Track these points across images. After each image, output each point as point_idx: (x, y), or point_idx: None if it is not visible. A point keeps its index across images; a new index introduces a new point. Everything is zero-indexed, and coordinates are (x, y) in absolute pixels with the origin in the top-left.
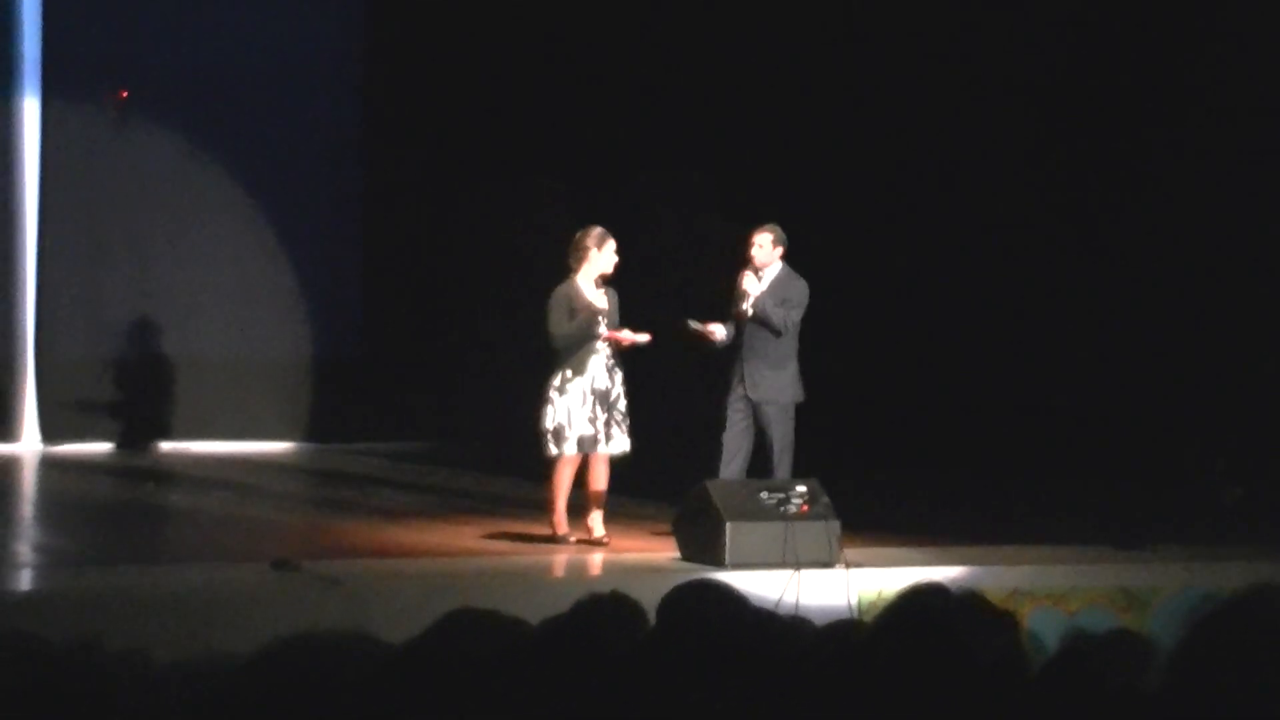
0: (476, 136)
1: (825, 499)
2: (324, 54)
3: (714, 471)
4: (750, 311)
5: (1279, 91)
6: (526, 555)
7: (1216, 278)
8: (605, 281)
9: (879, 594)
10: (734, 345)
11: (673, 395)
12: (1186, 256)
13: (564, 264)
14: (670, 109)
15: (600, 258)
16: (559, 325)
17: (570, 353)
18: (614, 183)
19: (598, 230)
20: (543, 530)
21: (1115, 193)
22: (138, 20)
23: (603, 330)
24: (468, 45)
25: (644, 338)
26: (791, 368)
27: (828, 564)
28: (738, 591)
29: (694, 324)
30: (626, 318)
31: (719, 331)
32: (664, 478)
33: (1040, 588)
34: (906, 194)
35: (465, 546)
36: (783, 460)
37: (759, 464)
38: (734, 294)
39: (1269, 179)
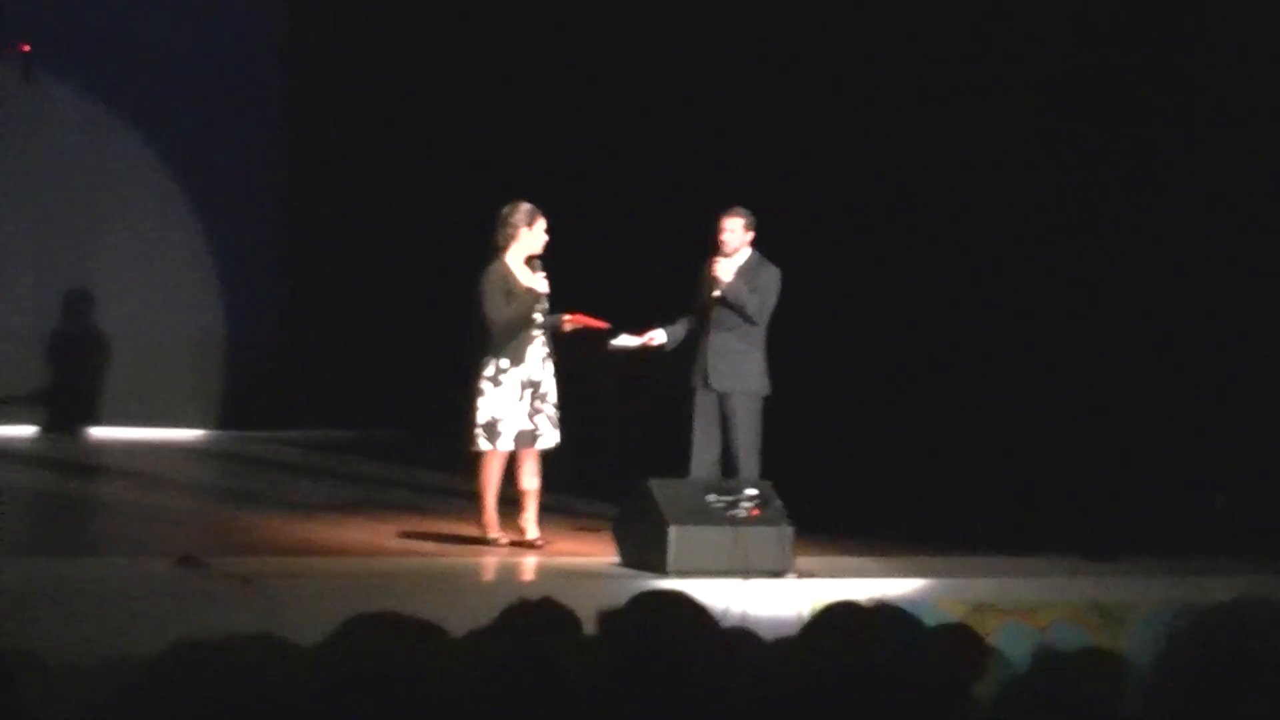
0: (404, 111)
1: (778, 503)
2: (246, 19)
3: (663, 468)
4: (719, 294)
5: None
6: (453, 556)
7: (1201, 283)
8: (532, 263)
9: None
10: (696, 334)
11: (617, 385)
12: (1171, 260)
13: (490, 243)
14: (604, 91)
15: (530, 236)
16: (498, 310)
17: (506, 340)
18: (549, 161)
19: (526, 206)
20: (471, 530)
21: (1088, 199)
22: None
23: (546, 316)
24: (396, 14)
25: (603, 324)
26: (759, 357)
27: (779, 573)
28: (699, 604)
29: (623, 342)
30: (564, 304)
31: (658, 337)
32: (608, 474)
33: (1007, 601)
34: (877, 195)
35: (387, 546)
36: (747, 456)
37: (724, 460)
38: (701, 280)
39: (1261, 187)
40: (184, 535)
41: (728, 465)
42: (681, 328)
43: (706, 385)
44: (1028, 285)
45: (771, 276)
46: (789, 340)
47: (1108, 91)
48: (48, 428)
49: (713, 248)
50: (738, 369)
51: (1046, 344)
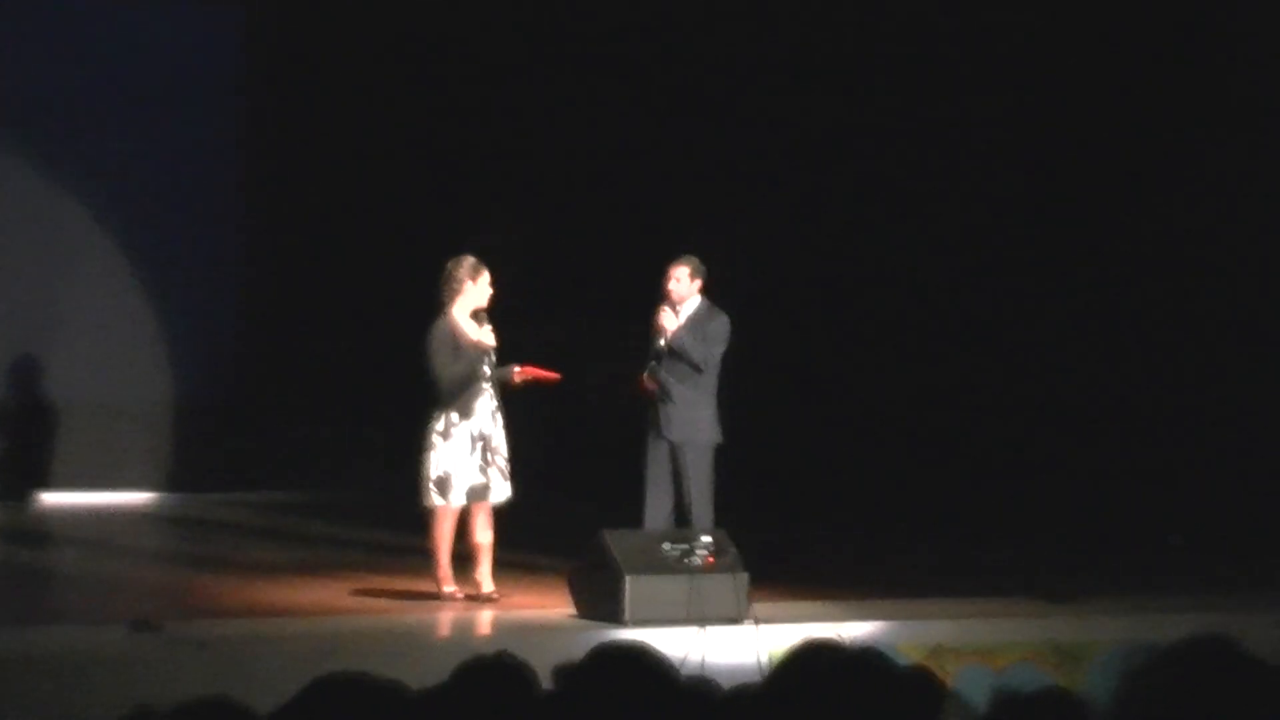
0: (357, 174)
1: (733, 550)
2: (200, 80)
3: (616, 520)
4: (665, 346)
5: None
6: (408, 614)
7: (1154, 322)
8: (479, 316)
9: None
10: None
11: (569, 437)
12: (1123, 302)
13: (439, 302)
14: (576, 133)
15: (475, 290)
16: (445, 367)
17: (455, 396)
18: (505, 210)
19: (470, 260)
20: (426, 586)
21: (1047, 256)
22: None
23: (495, 369)
24: (349, 75)
25: (551, 375)
26: (710, 407)
27: (735, 620)
28: (659, 656)
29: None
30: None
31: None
32: (560, 527)
33: (965, 644)
34: (837, 237)
35: (341, 605)
36: (701, 505)
37: (678, 509)
38: (651, 330)
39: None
40: (137, 600)
41: (681, 515)
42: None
43: (659, 435)
44: (978, 328)
45: (720, 324)
46: (742, 388)
47: (1095, 105)
48: (24, 496)
49: (661, 297)
50: (688, 419)
51: (999, 387)
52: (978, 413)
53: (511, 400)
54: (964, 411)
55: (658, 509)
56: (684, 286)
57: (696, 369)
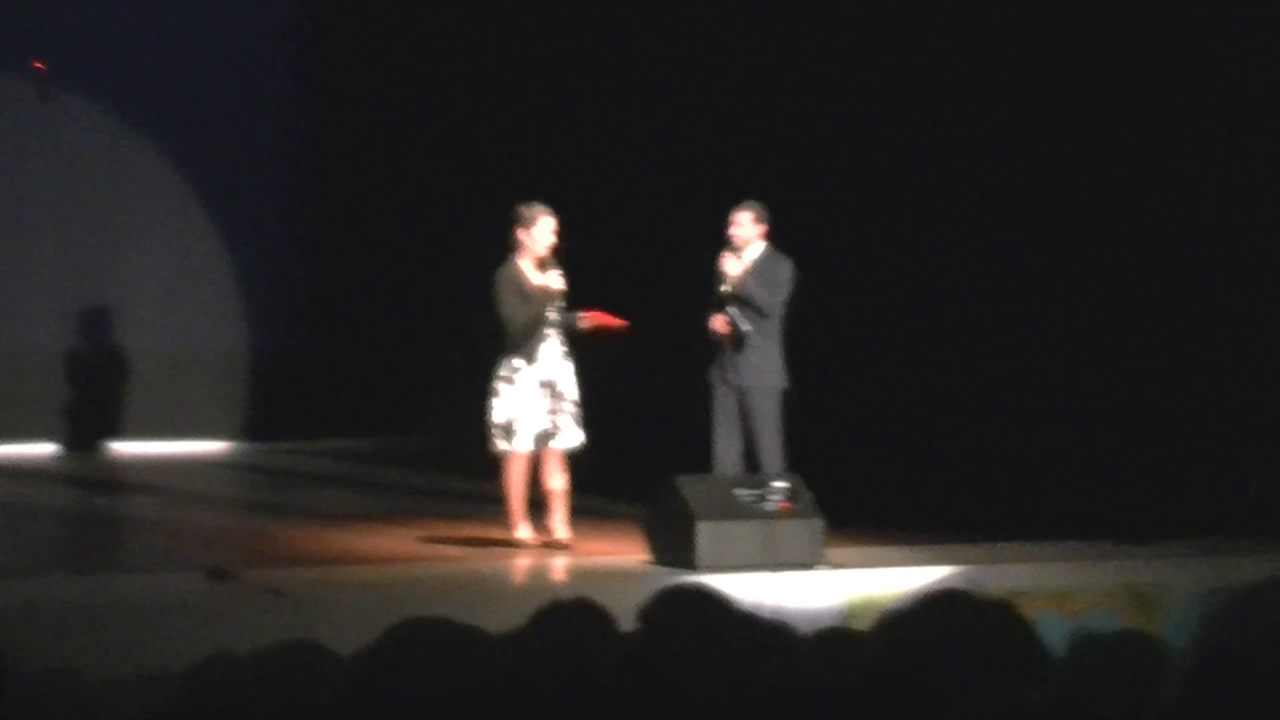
0: (427, 121)
1: (808, 495)
2: (268, 31)
3: (689, 465)
4: (730, 290)
5: None
6: (483, 560)
7: (1230, 268)
8: (546, 262)
9: (866, 597)
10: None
11: (640, 383)
12: (1198, 246)
13: (506, 248)
14: (632, 100)
15: (540, 237)
16: (514, 310)
17: (523, 341)
18: (571, 162)
19: (534, 207)
20: (501, 533)
21: (1115, 184)
22: None
23: (562, 315)
24: (419, 28)
25: (622, 323)
26: (776, 351)
27: (810, 565)
28: (726, 596)
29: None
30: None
31: (745, 326)
32: (636, 472)
33: (1041, 588)
34: (906, 182)
35: (417, 552)
36: (770, 450)
37: (747, 455)
38: (715, 277)
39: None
40: (213, 549)
41: (750, 461)
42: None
43: (725, 381)
44: (1053, 270)
45: (784, 269)
46: (814, 333)
47: (1111, 88)
48: (70, 445)
49: (725, 243)
50: (755, 364)
51: (1075, 328)
52: (1052, 355)
53: (580, 345)
54: (1039, 354)
55: (727, 454)
56: (746, 231)
57: (761, 314)
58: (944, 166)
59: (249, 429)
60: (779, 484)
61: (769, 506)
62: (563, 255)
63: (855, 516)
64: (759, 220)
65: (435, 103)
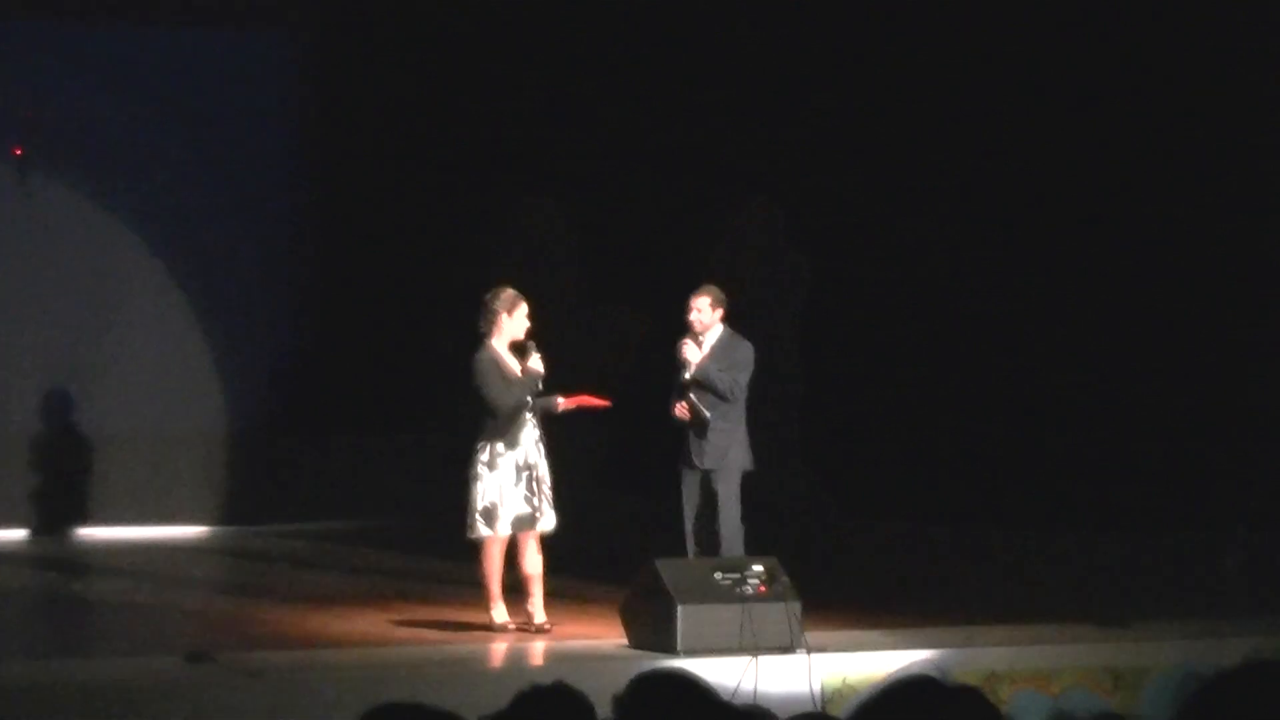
0: (405, 209)
1: (785, 578)
2: (242, 110)
3: (664, 549)
4: (690, 377)
5: None
6: (461, 644)
7: (1220, 316)
8: (522, 346)
9: (844, 680)
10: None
11: (614, 467)
12: (1184, 287)
13: (478, 332)
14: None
15: (512, 322)
16: (501, 394)
17: (511, 425)
18: (551, 237)
19: (508, 293)
20: (478, 617)
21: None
22: (40, 72)
23: (538, 398)
24: (396, 110)
25: (597, 401)
26: (739, 433)
27: (789, 649)
28: (702, 683)
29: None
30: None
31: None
32: (610, 557)
33: (1020, 669)
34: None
35: (395, 635)
36: (731, 531)
37: (708, 536)
38: (674, 361)
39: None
40: (190, 631)
41: (710, 543)
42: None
43: (691, 465)
44: (1046, 324)
45: (744, 352)
46: (787, 416)
47: (1116, 93)
48: (46, 529)
49: (683, 328)
50: (718, 446)
51: (1049, 402)
52: (1032, 420)
53: (554, 429)
54: (1013, 427)
55: (692, 541)
56: (705, 316)
57: (723, 398)
58: (953, 176)
59: (226, 513)
60: (757, 567)
61: (747, 590)
62: (535, 337)
63: (831, 599)
64: (717, 304)
65: (411, 191)
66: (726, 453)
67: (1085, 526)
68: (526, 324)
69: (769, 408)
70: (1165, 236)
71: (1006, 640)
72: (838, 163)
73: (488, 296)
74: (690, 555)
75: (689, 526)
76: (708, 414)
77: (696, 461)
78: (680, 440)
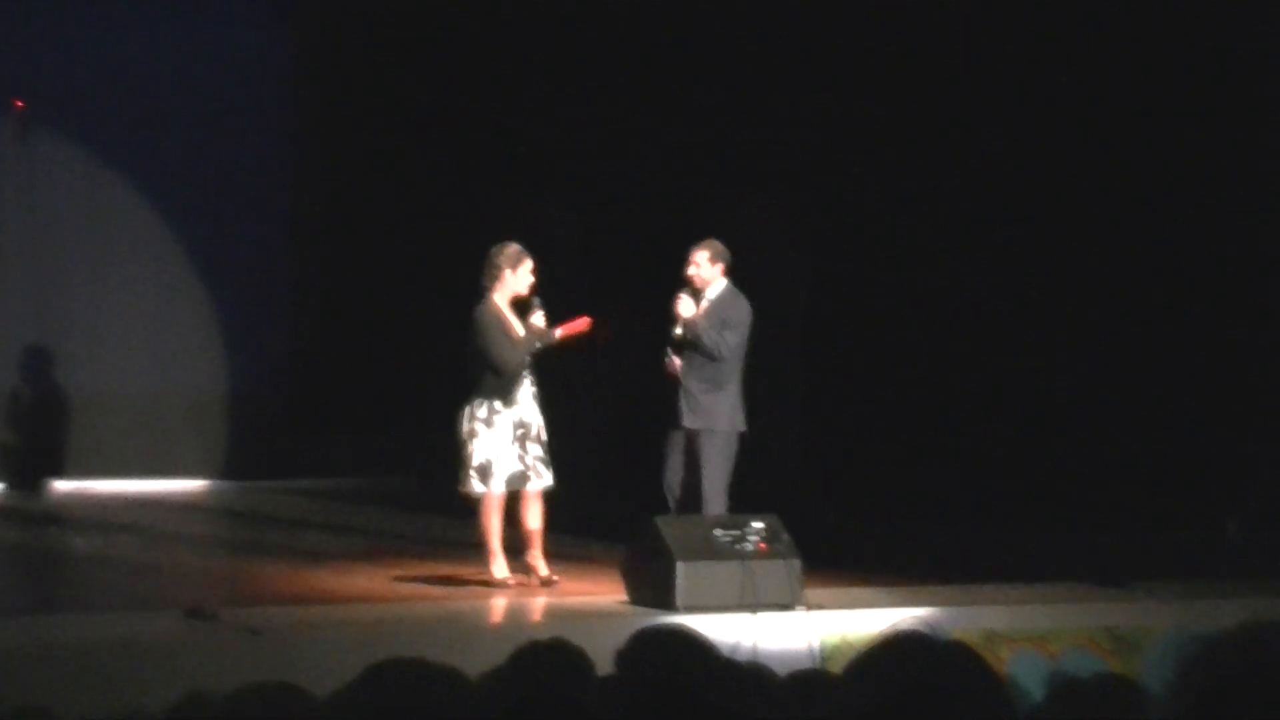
0: (408, 166)
1: (785, 536)
2: (244, 69)
3: (663, 507)
4: (681, 333)
5: None
6: (461, 600)
7: (1214, 304)
8: (525, 301)
9: (843, 638)
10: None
11: (612, 424)
12: (1181, 276)
13: (481, 286)
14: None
15: (515, 279)
16: (506, 351)
17: (511, 382)
18: (551, 208)
19: (513, 248)
20: (479, 574)
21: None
22: (43, 28)
23: (554, 331)
24: (397, 72)
25: (583, 321)
26: (730, 393)
27: (788, 606)
28: (702, 638)
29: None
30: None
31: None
32: (610, 514)
33: (1019, 629)
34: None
35: (395, 592)
36: (714, 495)
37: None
38: (670, 317)
39: None
40: (190, 588)
41: (693, 505)
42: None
43: (677, 425)
44: (1032, 303)
45: (739, 311)
46: (787, 415)
47: (1115, 92)
48: (47, 484)
49: (682, 282)
50: (705, 408)
51: (1053, 366)
52: (1030, 394)
53: (549, 386)
54: (1016, 393)
55: (675, 489)
56: (705, 271)
57: (710, 357)
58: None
59: (227, 469)
60: (757, 524)
61: (748, 547)
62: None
63: (831, 558)
64: (717, 258)
65: (416, 150)
66: (712, 414)
67: (1085, 489)
68: (530, 279)
69: (770, 405)
70: (1167, 236)
71: (1005, 600)
72: (838, 163)
73: (492, 250)
74: (671, 504)
75: (668, 484)
76: (688, 375)
77: (684, 422)
78: (667, 401)
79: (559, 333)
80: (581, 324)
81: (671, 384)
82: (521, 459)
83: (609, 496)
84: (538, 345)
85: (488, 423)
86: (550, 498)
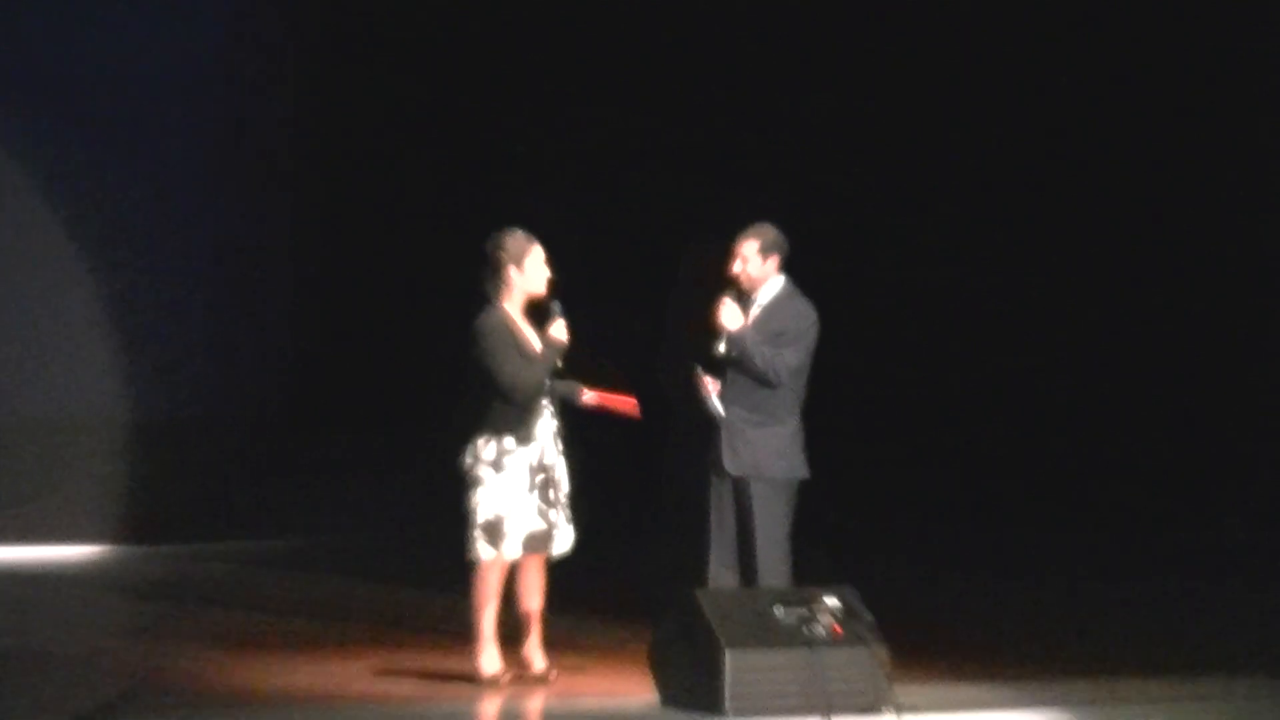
0: (355, 189)
1: (867, 616)
2: (177, 66)
3: (701, 576)
4: (724, 351)
5: None
6: (443, 702)
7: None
8: (542, 305)
9: None
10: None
11: (639, 469)
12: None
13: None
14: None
15: (524, 278)
16: (517, 371)
17: (514, 413)
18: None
19: (515, 237)
20: (460, 665)
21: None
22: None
23: (557, 380)
24: (397, 71)
25: (629, 402)
26: (789, 430)
27: (873, 709)
28: None
29: (705, 378)
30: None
31: (713, 396)
32: (632, 584)
33: None
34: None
35: (354, 690)
36: (770, 558)
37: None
38: (710, 328)
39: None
40: (91, 687)
41: (746, 570)
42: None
43: (720, 471)
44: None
45: (797, 319)
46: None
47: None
48: None
49: (726, 283)
50: (760, 448)
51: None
52: (1029, 394)
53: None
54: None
55: (722, 559)
56: (755, 267)
57: (763, 382)
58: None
59: (130, 528)
60: (830, 600)
61: (818, 630)
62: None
63: (913, 638)
64: (770, 249)
65: (414, 181)
66: (766, 455)
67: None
68: (546, 273)
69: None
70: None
71: (1156, 696)
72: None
73: (488, 245)
74: (712, 580)
75: (715, 550)
76: (719, 408)
77: (727, 466)
78: (709, 436)
79: (589, 396)
80: (626, 404)
81: (701, 405)
82: (544, 514)
83: (630, 560)
84: (557, 364)
85: (496, 466)
86: (552, 563)
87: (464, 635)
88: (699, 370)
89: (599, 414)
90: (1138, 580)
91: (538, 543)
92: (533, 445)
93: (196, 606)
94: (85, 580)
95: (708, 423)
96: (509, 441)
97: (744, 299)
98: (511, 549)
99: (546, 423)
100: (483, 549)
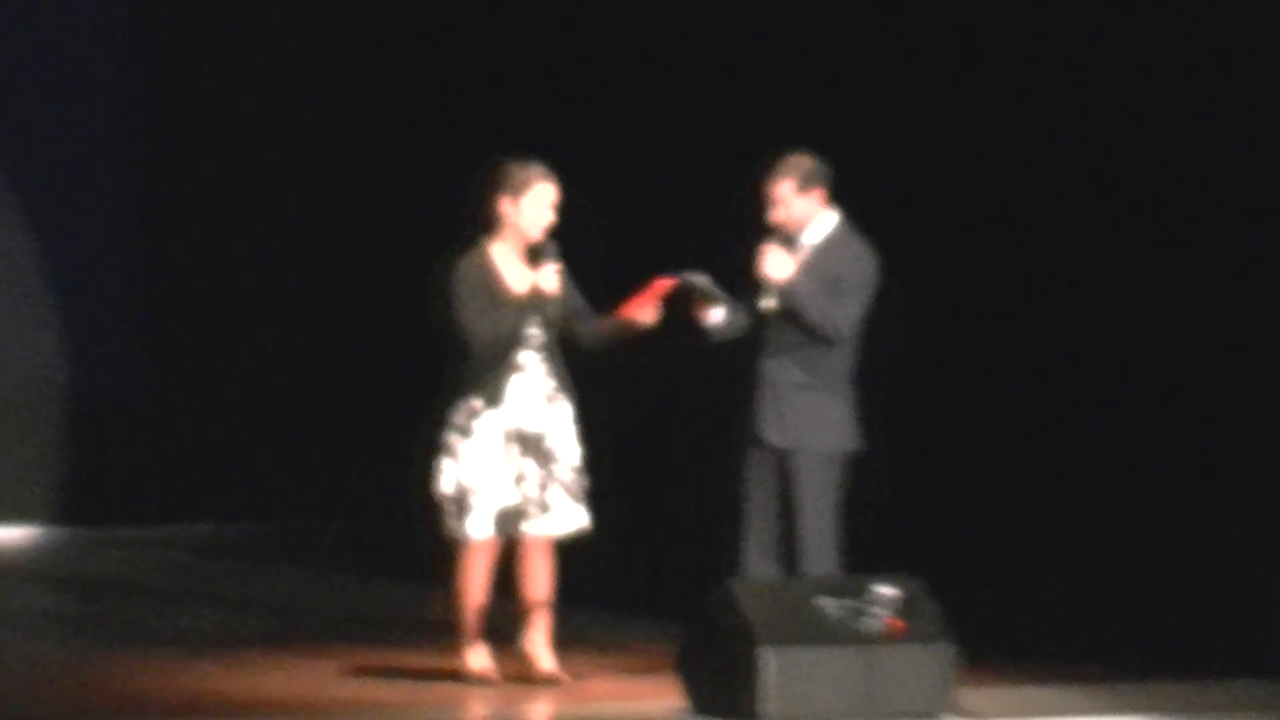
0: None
1: (932, 608)
2: (88, 24)
3: (734, 563)
4: (774, 305)
5: None
6: (427, 708)
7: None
8: (539, 249)
9: None
10: (749, 360)
11: (673, 436)
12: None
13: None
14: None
15: (523, 216)
16: (475, 320)
17: (483, 368)
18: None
19: (529, 169)
20: (444, 663)
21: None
22: None
23: (535, 330)
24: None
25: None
26: (840, 397)
27: (933, 715)
28: None
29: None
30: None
31: (715, 315)
32: (657, 574)
33: None
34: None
35: (326, 695)
36: (815, 539)
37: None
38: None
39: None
40: (18, 695)
41: (789, 554)
42: (738, 324)
43: (759, 441)
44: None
45: (859, 263)
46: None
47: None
48: None
49: (762, 229)
50: (807, 416)
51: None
52: (1029, 394)
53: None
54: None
55: (762, 545)
56: (794, 206)
57: (819, 337)
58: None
59: (65, 508)
60: (886, 591)
61: (872, 624)
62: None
63: (985, 637)
64: (809, 182)
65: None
66: (813, 425)
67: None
68: (548, 218)
69: None
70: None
71: (1237, 704)
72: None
73: (480, 175)
74: (750, 568)
75: (753, 533)
76: (714, 318)
77: (767, 436)
78: (743, 404)
79: (629, 310)
80: (657, 290)
81: (747, 387)
82: (520, 486)
83: (654, 548)
84: (537, 320)
85: (464, 431)
86: (566, 550)
87: (448, 629)
88: (687, 278)
89: (637, 326)
90: (1234, 580)
91: (512, 520)
92: (505, 407)
93: (145, 601)
94: (12, 569)
95: (745, 389)
96: (477, 402)
97: (790, 244)
98: (479, 526)
99: (530, 382)
100: (450, 524)
